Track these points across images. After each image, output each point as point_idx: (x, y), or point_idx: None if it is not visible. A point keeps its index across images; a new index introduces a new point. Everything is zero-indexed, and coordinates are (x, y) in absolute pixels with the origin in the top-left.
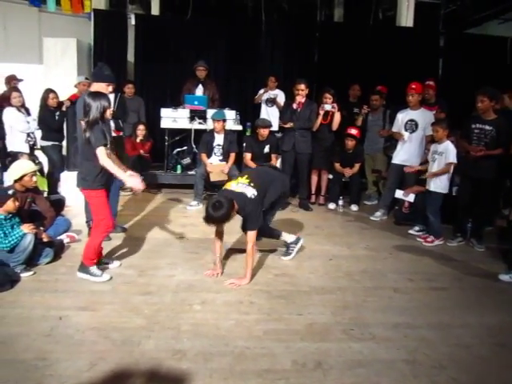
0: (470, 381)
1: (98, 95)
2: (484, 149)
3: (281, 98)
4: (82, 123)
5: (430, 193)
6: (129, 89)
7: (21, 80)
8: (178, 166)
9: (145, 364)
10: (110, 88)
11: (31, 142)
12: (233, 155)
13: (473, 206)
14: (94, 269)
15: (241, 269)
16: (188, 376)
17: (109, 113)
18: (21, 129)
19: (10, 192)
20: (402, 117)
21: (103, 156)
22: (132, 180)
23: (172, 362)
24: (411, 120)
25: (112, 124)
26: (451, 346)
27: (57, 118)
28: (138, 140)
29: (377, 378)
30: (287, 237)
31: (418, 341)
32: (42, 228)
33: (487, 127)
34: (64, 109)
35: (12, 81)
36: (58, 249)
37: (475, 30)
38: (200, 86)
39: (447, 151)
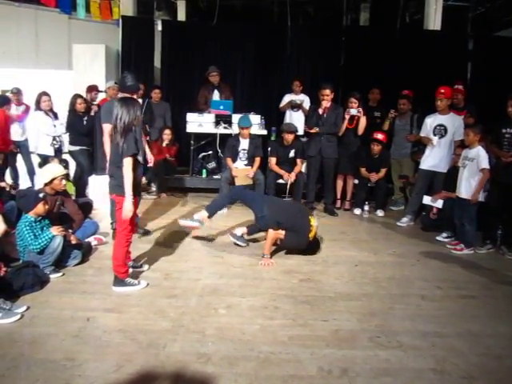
0: None
1: (130, 101)
2: None
3: (306, 102)
4: (111, 129)
5: (463, 200)
6: (156, 94)
7: (101, 91)
8: (204, 171)
9: (170, 367)
10: (135, 96)
11: (56, 146)
12: (258, 160)
13: (503, 213)
14: (129, 279)
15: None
16: (213, 380)
17: (139, 120)
18: (46, 132)
19: (41, 195)
20: (431, 121)
21: (128, 166)
22: (128, 207)
23: (197, 365)
24: (440, 125)
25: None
26: (481, 355)
27: (85, 122)
28: (164, 144)
29: None
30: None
31: (447, 350)
32: (70, 230)
33: None
34: (92, 113)
35: (93, 91)
36: (86, 251)
37: (505, 33)
38: (215, 92)
39: (479, 157)
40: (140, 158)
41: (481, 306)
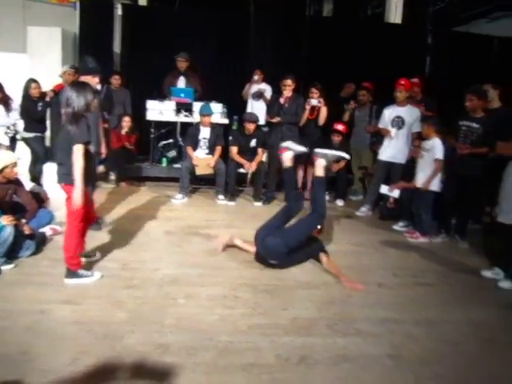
0: (454, 376)
1: (82, 86)
2: (470, 147)
3: (268, 92)
4: (64, 115)
5: (420, 190)
6: (115, 80)
7: None
8: (164, 159)
9: (128, 358)
10: (97, 79)
11: (10, 134)
12: (219, 149)
13: (458, 203)
14: (82, 271)
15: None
16: (172, 370)
17: (94, 105)
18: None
19: None
20: (389, 113)
21: (79, 154)
22: (78, 197)
23: (155, 356)
24: (398, 117)
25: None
26: (437, 341)
27: (39, 108)
28: (123, 132)
29: (361, 372)
30: None
31: (404, 336)
32: (23, 220)
33: (474, 125)
34: (47, 99)
35: None
36: (40, 241)
37: (463, 29)
38: (182, 78)
39: (434, 148)
40: (91, 147)
41: (437, 293)
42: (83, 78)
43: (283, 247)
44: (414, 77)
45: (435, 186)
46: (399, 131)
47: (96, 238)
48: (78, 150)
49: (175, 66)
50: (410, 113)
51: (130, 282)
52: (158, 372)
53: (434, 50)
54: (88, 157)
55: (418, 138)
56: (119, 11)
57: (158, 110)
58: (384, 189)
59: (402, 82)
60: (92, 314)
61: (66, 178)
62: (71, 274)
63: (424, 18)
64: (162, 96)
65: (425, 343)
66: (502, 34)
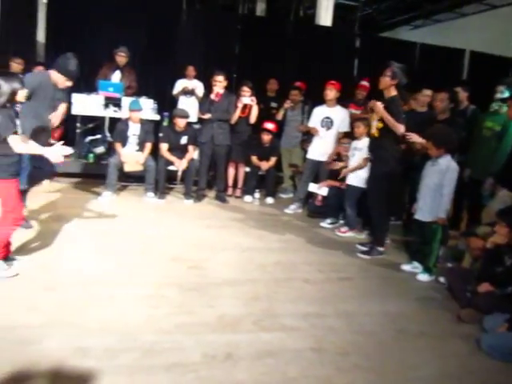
0: (371, 365)
1: (9, 75)
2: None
3: (200, 89)
4: None
5: (349, 187)
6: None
7: None
8: (91, 155)
9: (44, 364)
10: (70, 83)
11: None
12: (149, 145)
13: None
14: (1, 262)
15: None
16: (92, 374)
17: (21, 95)
18: None
19: None
20: (318, 113)
21: (17, 143)
22: (53, 153)
23: (75, 360)
24: (327, 117)
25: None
26: (355, 333)
27: None
28: None
29: (285, 366)
30: None
31: (326, 329)
32: None
33: None
34: None
35: None
36: None
37: (389, 34)
38: (117, 72)
39: (365, 148)
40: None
41: (357, 287)
42: (54, 74)
43: None
44: (363, 79)
45: (361, 182)
46: (327, 132)
47: (16, 238)
48: (13, 140)
49: (112, 59)
50: (338, 113)
51: (48, 283)
52: (79, 376)
53: (361, 53)
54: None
55: (344, 137)
56: None
57: (85, 104)
58: (312, 187)
59: (333, 82)
60: (4, 318)
61: None
62: None
63: (353, 22)
64: (90, 89)
65: (345, 335)
66: (424, 41)
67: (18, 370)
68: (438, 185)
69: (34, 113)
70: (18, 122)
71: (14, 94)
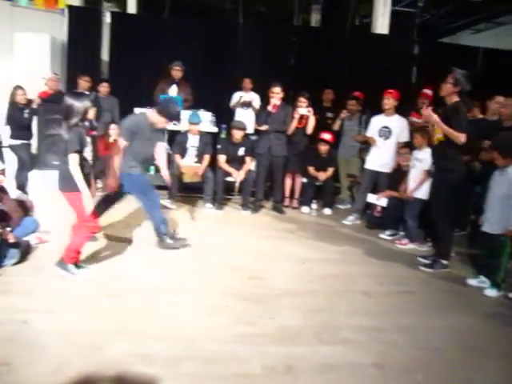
0: (435, 383)
1: (80, 96)
2: None
3: (256, 101)
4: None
5: (408, 199)
6: (104, 88)
7: None
8: (151, 167)
9: (111, 369)
10: (167, 124)
11: None
12: (207, 157)
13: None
14: (71, 266)
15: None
16: (156, 381)
17: (91, 113)
18: None
19: None
20: (376, 122)
21: (74, 162)
22: (87, 204)
23: (140, 366)
24: (385, 127)
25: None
26: (419, 349)
27: (26, 115)
28: (110, 140)
29: (346, 381)
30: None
31: (387, 344)
32: (8, 228)
33: None
34: (34, 106)
35: None
36: (25, 250)
37: (448, 40)
38: (174, 87)
39: (426, 158)
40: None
41: (420, 301)
42: (154, 115)
43: None
44: (426, 87)
45: (423, 194)
46: (386, 141)
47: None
48: (72, 158)
49: (168, 73)
50: (396, 123)
51: (114, 291)
52: (143, 383)
53: (421, 60)
54: (81, 165)
55: (403, 147)
56: (108, 19)
57: None
58: (371, 197)
59: (391, 91)
60: (75, 323)
61: (65, 185)
62: (62, 264)
63: (411, 28)
64: (153, 104)
65: (408, 351)
66: (487, 45)
67: (85, 375)
68: (507, 195)
69: (134, 153)
70: (88, 139)
71: (85, 112)
